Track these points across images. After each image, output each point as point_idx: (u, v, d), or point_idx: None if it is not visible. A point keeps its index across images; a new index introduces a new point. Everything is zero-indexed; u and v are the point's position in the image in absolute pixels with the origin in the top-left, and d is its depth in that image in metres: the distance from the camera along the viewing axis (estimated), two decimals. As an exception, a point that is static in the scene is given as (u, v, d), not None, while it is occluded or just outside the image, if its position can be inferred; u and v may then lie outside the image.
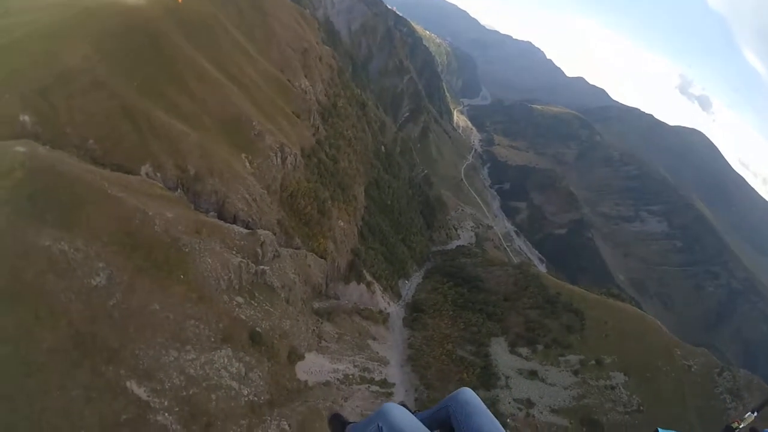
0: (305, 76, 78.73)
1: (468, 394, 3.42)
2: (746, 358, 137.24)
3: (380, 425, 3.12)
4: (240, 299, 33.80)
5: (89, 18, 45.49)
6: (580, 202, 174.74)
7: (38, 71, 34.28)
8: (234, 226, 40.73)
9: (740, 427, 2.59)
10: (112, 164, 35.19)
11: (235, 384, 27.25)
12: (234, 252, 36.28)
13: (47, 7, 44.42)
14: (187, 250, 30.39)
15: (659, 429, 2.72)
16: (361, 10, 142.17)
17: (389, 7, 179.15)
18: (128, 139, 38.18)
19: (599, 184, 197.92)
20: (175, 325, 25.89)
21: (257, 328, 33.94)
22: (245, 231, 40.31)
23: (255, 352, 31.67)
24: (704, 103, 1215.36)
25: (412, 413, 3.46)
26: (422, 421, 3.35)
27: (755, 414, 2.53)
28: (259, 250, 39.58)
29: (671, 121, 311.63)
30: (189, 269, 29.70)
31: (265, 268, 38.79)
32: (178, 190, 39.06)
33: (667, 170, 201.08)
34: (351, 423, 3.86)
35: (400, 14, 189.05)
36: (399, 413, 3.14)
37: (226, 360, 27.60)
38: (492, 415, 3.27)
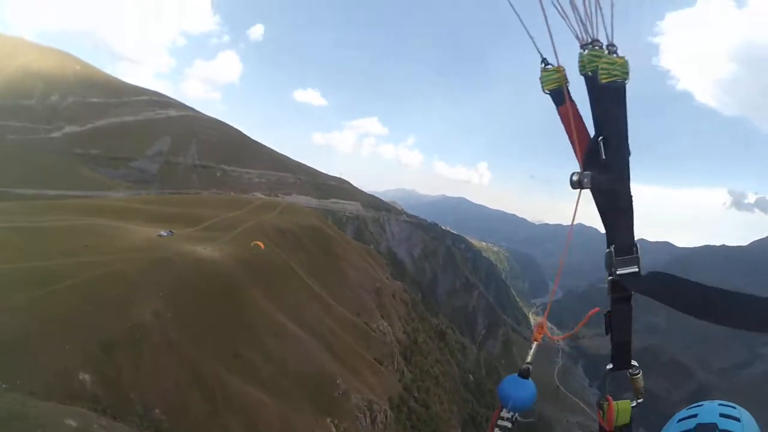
0: (382, 317, 77.22)
1: None
2: None
3: None
4: None
5: (163, 269, 44.94)
6: (689, 366, 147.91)
7: (105, 323, 32.14)
8: None
9: None
10: (178, 440, 30.29)
11: None
12: None
13: (122, 251, 44.98)
14: None
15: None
16: (420, 236, 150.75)
17: (444, 227, 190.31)
18: (198, 409, 33.78)
19: (701, 336, 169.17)
20: None
21: None
22: None
23: None
24: (765, 207, 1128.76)
25: None
26: None
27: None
28: None
29: (743, 240, 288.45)
30: None
31: None
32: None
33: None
34: None
35: (455, 232, 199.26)
36: None
37: None
38: None
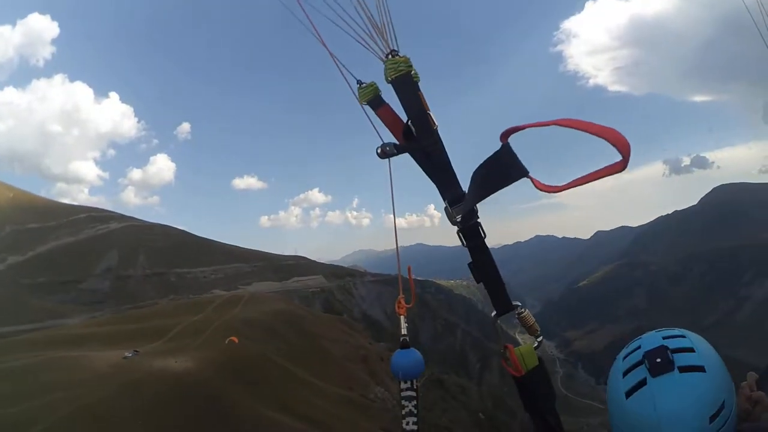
0: (376, 384, 74.62)
1: None
2: None
3: None
4: None
5: (136, 394, 42.12)
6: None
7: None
8: None
9: None
10: None
11: None
12: None
13: (88, 382, 41.26)
14: None
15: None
16: (388, 292, 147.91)
17: (408, 277, 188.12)
18: None
19: (681, 304, 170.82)
20: None
21: None
22: None
23: None
24: (701, 163, 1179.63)
25: None
26: None
27: None
28: None
29: (693, 200, 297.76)
30: None
31: None
32: None
33: None
34: None
35: (421, 278, 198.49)
36: None
37: None
38: None
